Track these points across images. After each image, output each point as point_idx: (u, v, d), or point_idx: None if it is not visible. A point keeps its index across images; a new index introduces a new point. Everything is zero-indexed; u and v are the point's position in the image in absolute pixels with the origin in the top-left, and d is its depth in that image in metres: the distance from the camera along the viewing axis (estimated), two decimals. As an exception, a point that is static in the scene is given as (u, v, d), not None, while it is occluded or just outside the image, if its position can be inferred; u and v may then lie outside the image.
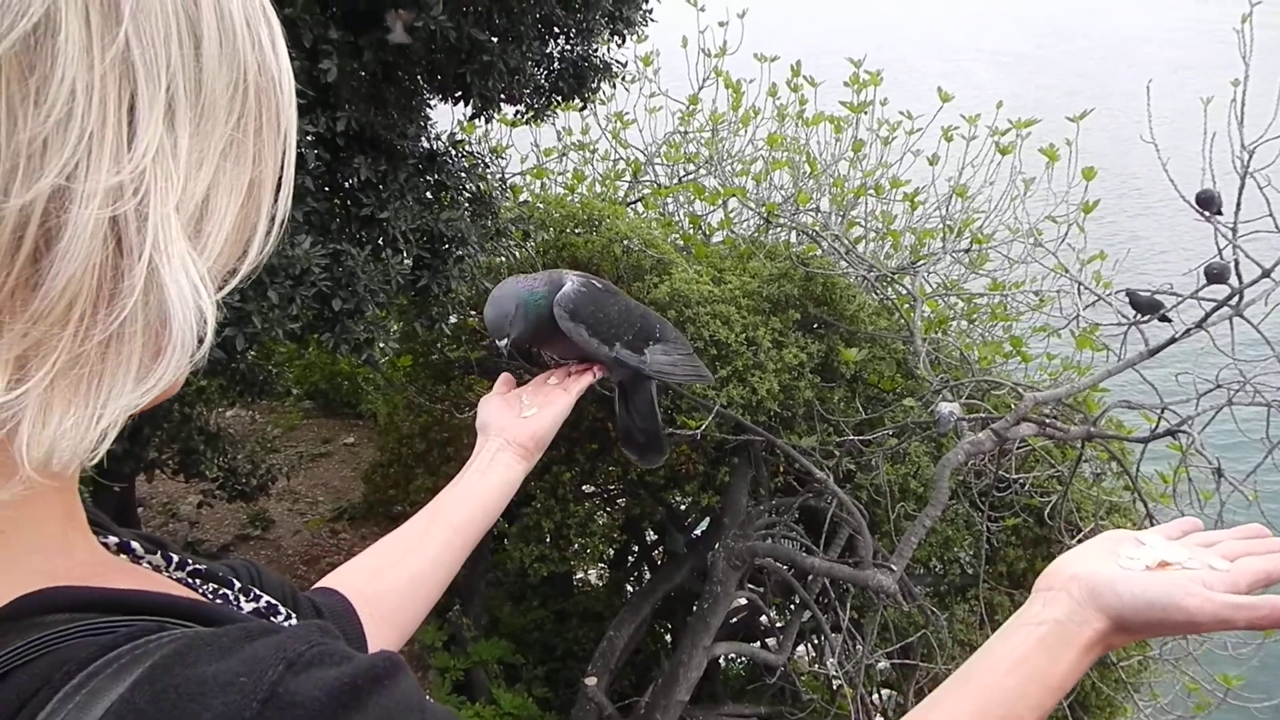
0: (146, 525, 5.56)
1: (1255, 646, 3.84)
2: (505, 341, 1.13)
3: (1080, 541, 3.82)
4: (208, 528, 5.86)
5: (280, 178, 0.51)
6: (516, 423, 1.10)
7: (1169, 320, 3.33)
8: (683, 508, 5.11)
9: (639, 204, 5.32)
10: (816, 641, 4.87)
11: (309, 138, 2.57)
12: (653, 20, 3.66)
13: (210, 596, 0.63)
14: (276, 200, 0.52)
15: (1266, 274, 3.15)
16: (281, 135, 0.51)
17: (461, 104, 3.30)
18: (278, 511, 6.06)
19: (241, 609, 0.64)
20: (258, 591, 0.68)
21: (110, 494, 4.01)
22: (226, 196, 0.48)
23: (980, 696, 0.72)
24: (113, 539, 0.60)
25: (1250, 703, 3.87)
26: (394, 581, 0.95)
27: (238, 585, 0.65)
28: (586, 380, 1.18)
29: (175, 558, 0.62)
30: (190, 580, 0.62)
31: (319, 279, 2.60)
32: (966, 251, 4.63)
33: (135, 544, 0.61)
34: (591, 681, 4.22)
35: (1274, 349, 3.27)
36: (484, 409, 1.13)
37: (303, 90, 2.44)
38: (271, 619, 0.66)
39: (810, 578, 4.10)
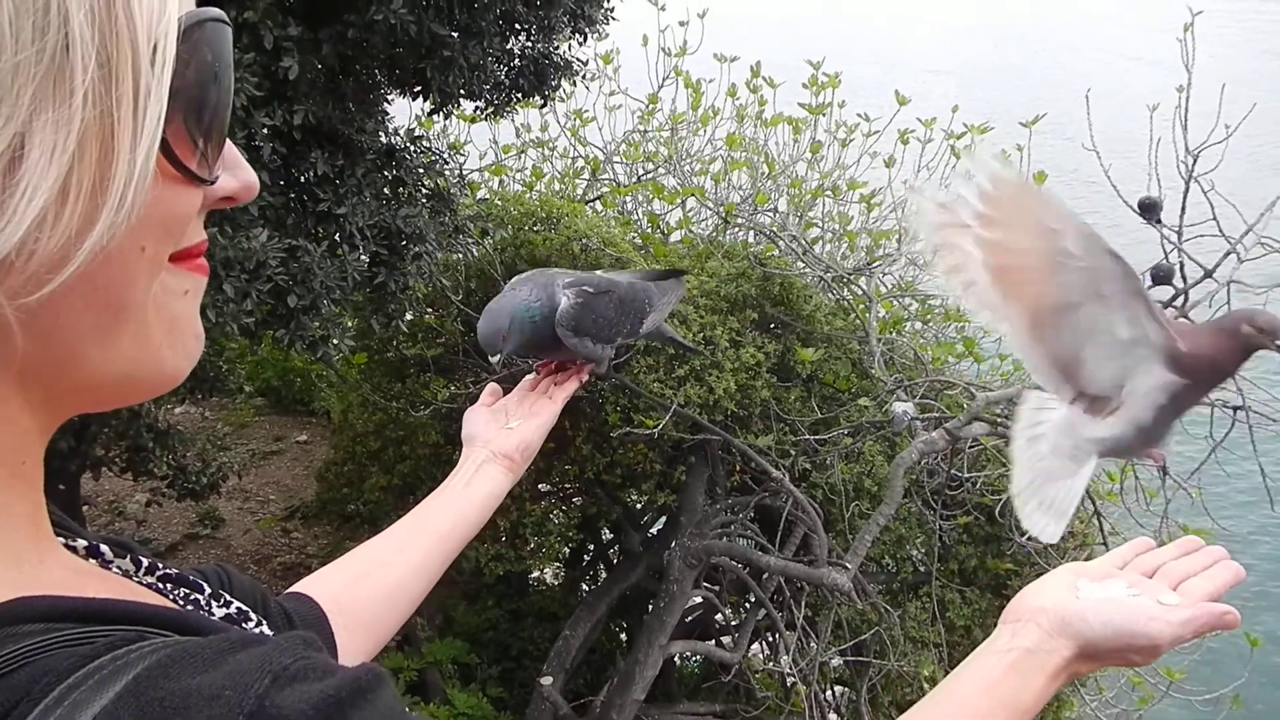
0: (92, 524, 5.44)
1: (1196, 642, 3.93)
2: (498, 358, 1.12)
3: (1030, 539, 3.89)
4: (155, 527, 5.75)
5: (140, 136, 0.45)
6: (502, 434, 1.10)
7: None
8: (639, 507, 5.12)
9: (598, 202, 5.32)
10: (771, 639, 4.90)
11: (265, 131, 2.53)
12: (614, 19, 3.66)
13: (180, 602, 0.62)
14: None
15: (1209, 274, 3.23)
16: (136, 91, 0.44)
17: (421, 99, 3.28)
18: (228, 510, 5.97)
19: (212, 614, 0.63)
20: (228, 597, 0.67)
21: (55, 493, 3.92)
22: (41, 155, 0.42)
23: (954, 717, 0.75)
24: (81, 543, 0.58)
25: (1193, 695, 3.98)
26: (373, 590, 0.93)
27: (208, 590, 0.64)
28: (573, 386, 1.19)
29: (145, 562, 0.61)
30: (160, 585, 0.61)
31: (275, 273, 2.57)
32: (921, 253, 4.69)
33: (104, 548, 0.59)
34: (547, 681, 4.21)
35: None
36: (469, 421, 1.12)
37: (259, 84, 2.41)
38: (242, 625, 0.65)
39: (766, 576, 4.13)
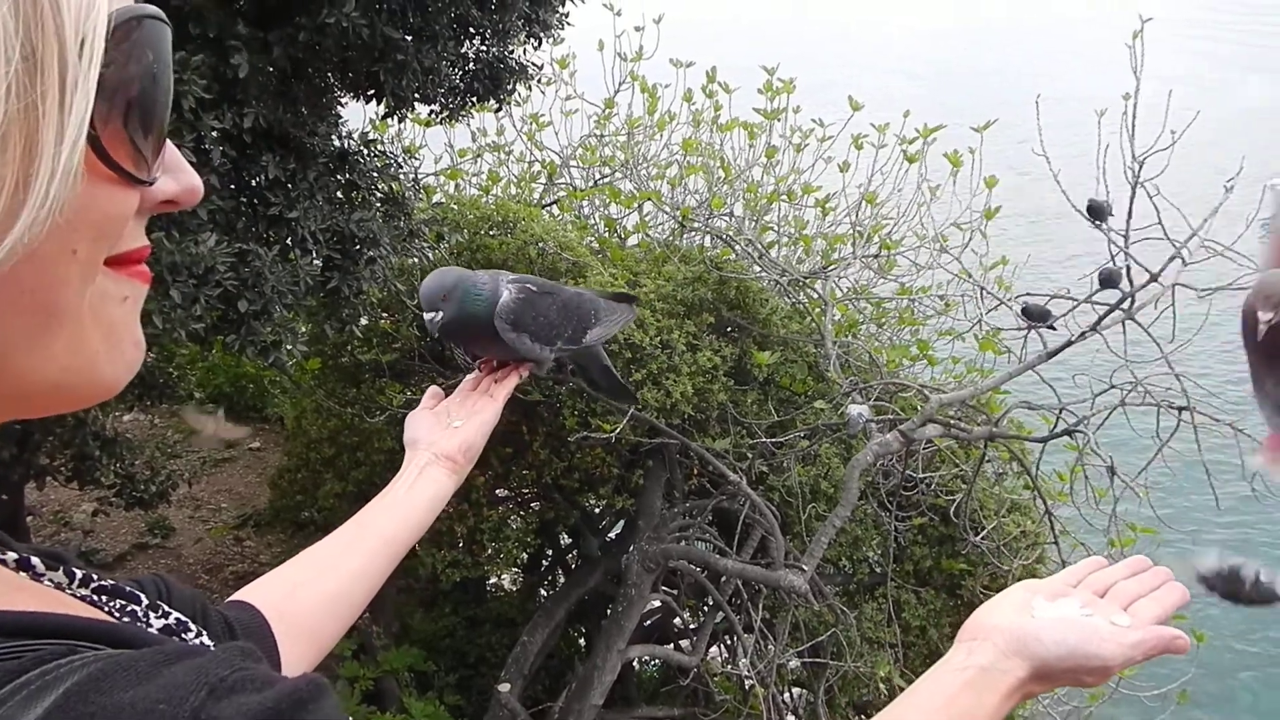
0: (37, 535, 5.32)
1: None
2: (435, 315, 1.11)
3: (984, 539, 3.92)
4: (103, 537, 5.63)
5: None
6: (445, 436, 1.09)
7: (1054, 329, 3.47)
8: (597, 511, 5.11)
9: (554, 206, 5.31)
10: (729, 642, 4.92)
11: (214, 134, 2.49)
12: (569, 24, 3.66)
13: (116, 614, 0.60)
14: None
15: (1154, 278, 3.30)
16: (62, 86, 0.43)
17: (374, 102, 3.25)
18: (178, 519, 5.87)
19: (150, 626, 0.62)
20: (166, 608, 0.65)
21: (-3, 503, 3.82)
22: None
23: None
24: (10, 555, 0.56)
25: (1141, 692, 4.05)
26: (315, 597, 0.92)
27: (145, 601, 0.63)
28: (513, 383, 1.18)
29: (78, 574, 0.59)
30: (95, 597, 0.60)
31: (224, 278, 2.53)
32: (875, 257, 4.74)
33: (35, 560, 0.57)
34: (504, 688, 4.19)
35: (1163, 351, 3.43)
36: (411, 424, 1.11)
37: (207, 85, 2.37)
38: (181, 636, 0.64)
39: (723, 579, 4.14)
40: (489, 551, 4.36)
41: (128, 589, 0.62)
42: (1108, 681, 0.84)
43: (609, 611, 4.25)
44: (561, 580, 5.50)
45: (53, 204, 0.43)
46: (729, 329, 4.29)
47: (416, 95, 3.18)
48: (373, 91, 3.14)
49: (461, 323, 1.13)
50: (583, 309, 1.26)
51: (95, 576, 0.60)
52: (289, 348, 2.89)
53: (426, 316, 1.12)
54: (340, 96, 3.27)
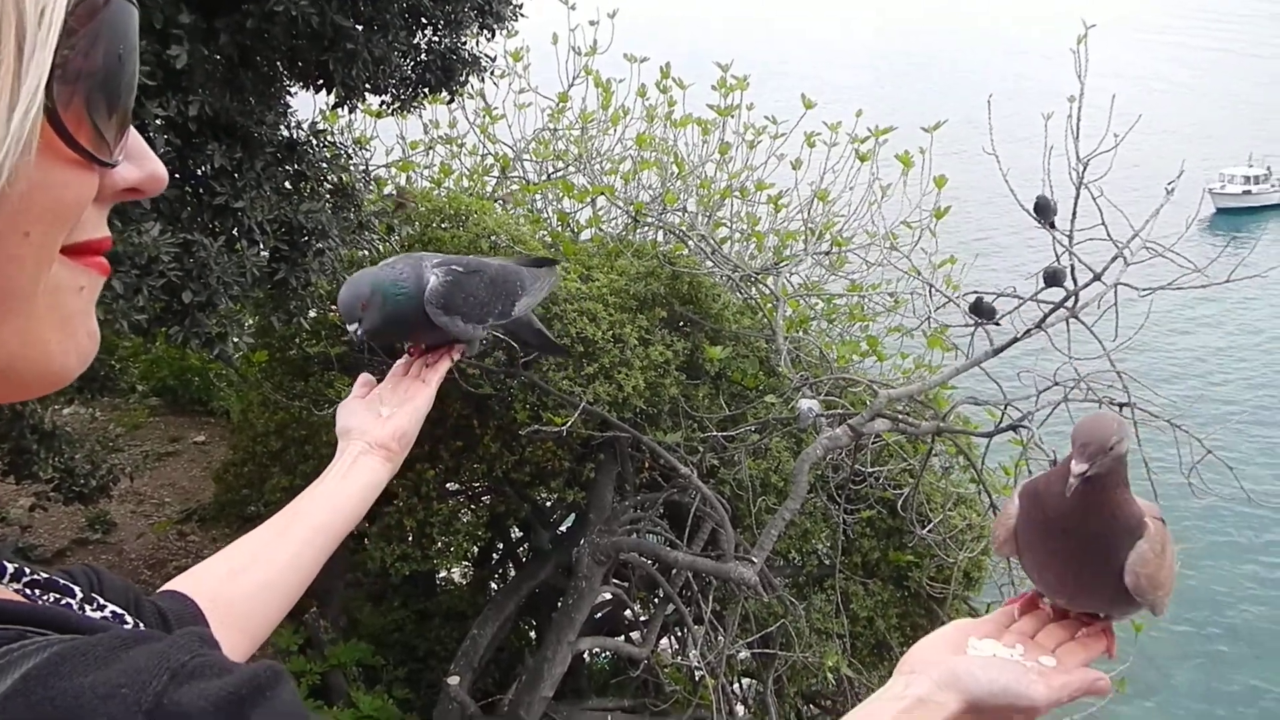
0: (-28, 530, 5.18)
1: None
2: (356, 326, 1.09)
3: (930, 531, 3.98)
4: (41, 532, 5.51)
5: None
6: (378, 423, 1.07)
7: (999, 325, 3.54)
8: (548, 504, 5.10)
9: (508, 200, 5.28)
10: (680, 634, 4.94)
11: (158, 121, 2.44)
12: (522, 15, 3.64)
13: (53, 607, 0.59)
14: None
15: (1097, 277, 3.37)
16: (19, 55, 0.43)
17: (324, 92, 3.21)
18: (120, 514, 5.75)
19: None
20: (100, 600, 0.64)
21: (-70, 497, 3.72)
22: None
23: None
24: None
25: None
26: (246, 585, 0.91)
27: (79, 594, 0.62)
28: (445, 366, 1.16)
29: (10, 568, 0.58)
30: (28, 591, 0.58)
31: (168, 269, 2.48)
32: (827, 254, 4.79)
33: None
34: (454, 681, 4.17)
35: (1105, 349, 3.51)
36: (343, 414, 1.09)
37: (151, 72, 2.32)
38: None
39: (674, 571, 4.16)
40: (439, 545, 4.33)
41: (61, 582, 0.61)
42: None
43: (560, 604, 4.25)
44: (512, 574, 5.48)
45: (6, 176, 0.42)
46: (681, 324, 4.31)
47: (367, 85, 3.15)
48: (322, 81, 3.10)
49: (389, 322, 1.12)
50: (509, 282, 1.25)
51: (28, 570, 0.59)
52: (235, 340, 2.85)
53: (349, 329, 1.10)
54: (289, 85, 3.23)
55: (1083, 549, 0.90)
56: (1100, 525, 0.89)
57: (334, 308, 4.18)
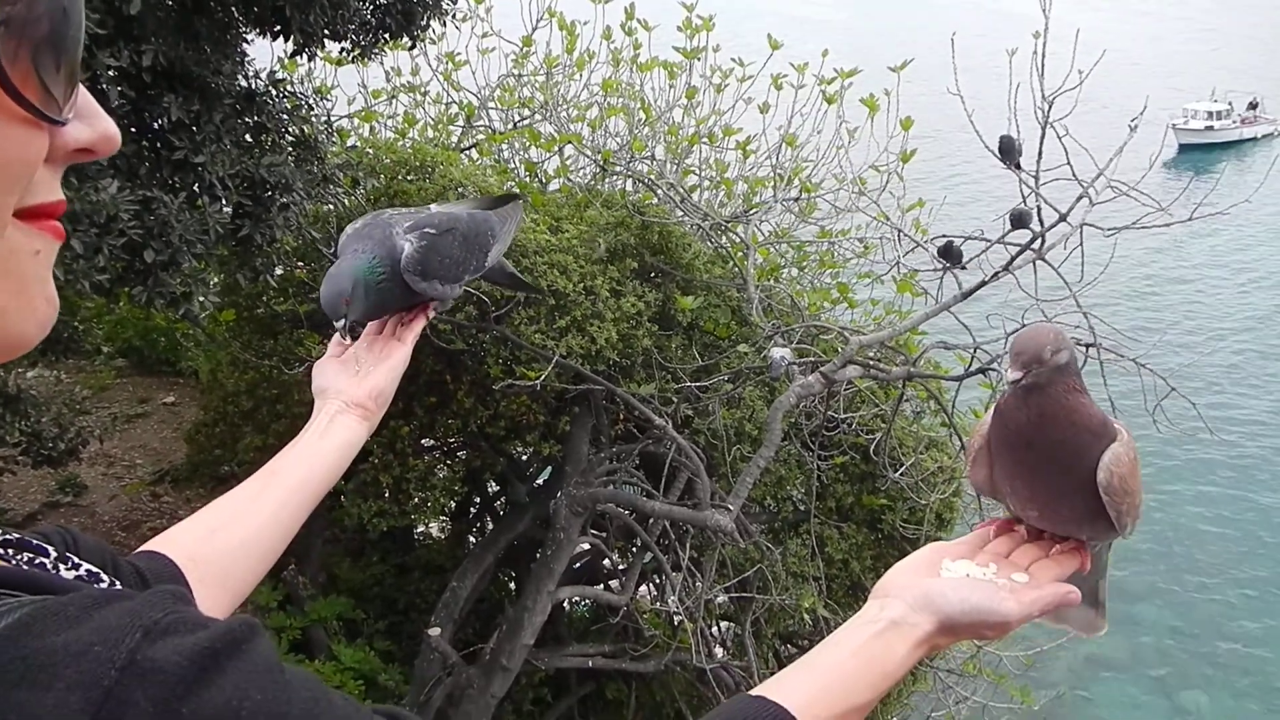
0: (-61, 497, 5.12)
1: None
2: (342, 322, 1.07)
3: (903, 475, 4.01)
4: (11, 496, 5.45)
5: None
6: (354, 382, 1.06)
7: (965, 269, 3.55)
8: (524, 458, 5.11)
9: (473, 150, 5.21)
10: (658, 581, 5.00)
11: (111, 73, 2.37)
12: (484, -42, 3.55)
13: (25, 567, 0.58)
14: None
15: (1063, 218, 3.38)
16: None
17: (281, 39, 3.12)
18: (91, 476, 5.70)
19: (61, 578, 0.60)
20: (75, 559, 0.63)
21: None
22: None
23: (825, 675, 0.81)
24: None
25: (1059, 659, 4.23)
26: (225, 544, 0.90)
27: (53, 554, 0.61)
28: (420, 324, 1.15)
29: None
30: (1, 551, 0.58)
31: (128, 227, 2.43)
32: (796, 200, 4.76)
33: None
34: (435, 631, 4.20)
35: (1072, 290, 3.53)
36: (319, 374, 1.08)
37: (101, 20, 2.25)
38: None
39: (651, 521, 4.19)
40: (416, 500, 4.34)
41: (34, 542, 0.60)
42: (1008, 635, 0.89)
43: (538, 555, 4.27)
44: (490, 527, 5.51)
45: None
46: (652, 274, 4.29)
47: (325, 31, 3.06)
48: (279, 27, 3.01)
49: (374, 308, 1.10)
50: (481, 234, 1.23)
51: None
52: (200, 299, 2.80)
53: (335, 325, 1.08)
54: (245, 33, 3.13)
55: (1048, 458, 0.91)
56: (1060, 433, 0.91)
57: (301, 264, 4.13)
